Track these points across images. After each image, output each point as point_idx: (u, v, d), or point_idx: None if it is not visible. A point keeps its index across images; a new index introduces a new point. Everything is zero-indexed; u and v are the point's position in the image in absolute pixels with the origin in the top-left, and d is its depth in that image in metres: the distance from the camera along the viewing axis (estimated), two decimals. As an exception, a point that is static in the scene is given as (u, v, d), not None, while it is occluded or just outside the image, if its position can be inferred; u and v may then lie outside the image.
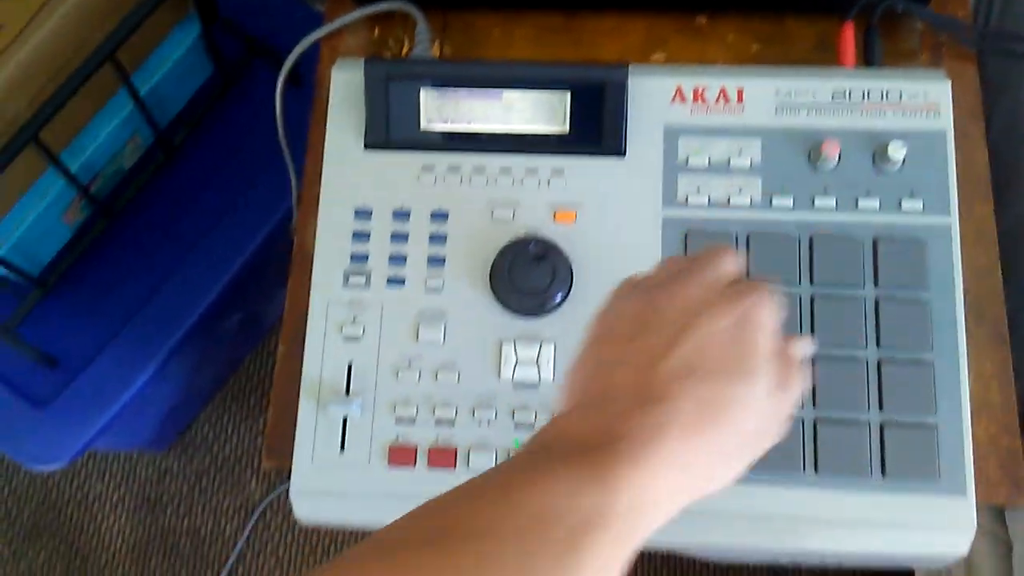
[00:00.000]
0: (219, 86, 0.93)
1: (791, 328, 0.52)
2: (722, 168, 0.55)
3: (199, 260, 0.90)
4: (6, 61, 0.70)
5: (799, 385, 0.40)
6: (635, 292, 0.41)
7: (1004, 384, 0.56)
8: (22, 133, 0.67)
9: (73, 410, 0.86)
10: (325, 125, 0.66)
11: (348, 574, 0.31)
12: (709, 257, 0.41)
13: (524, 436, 0.52)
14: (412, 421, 0.53)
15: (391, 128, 0.57)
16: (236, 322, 1.06)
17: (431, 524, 0.33)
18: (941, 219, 0.53)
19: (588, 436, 0.35)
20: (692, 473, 0.36)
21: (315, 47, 0.69)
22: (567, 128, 0.56)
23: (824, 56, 0.65)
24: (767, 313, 0.39)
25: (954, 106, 0.56)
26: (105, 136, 0.82)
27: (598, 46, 0.67)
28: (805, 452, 0.50)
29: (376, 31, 0.69)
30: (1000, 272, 0.59)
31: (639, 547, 0.34)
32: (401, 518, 0.33)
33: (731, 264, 0.41)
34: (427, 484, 0.51)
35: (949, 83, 0.55)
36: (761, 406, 0.38)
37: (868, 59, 0.60)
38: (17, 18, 0.71)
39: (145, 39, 0.79)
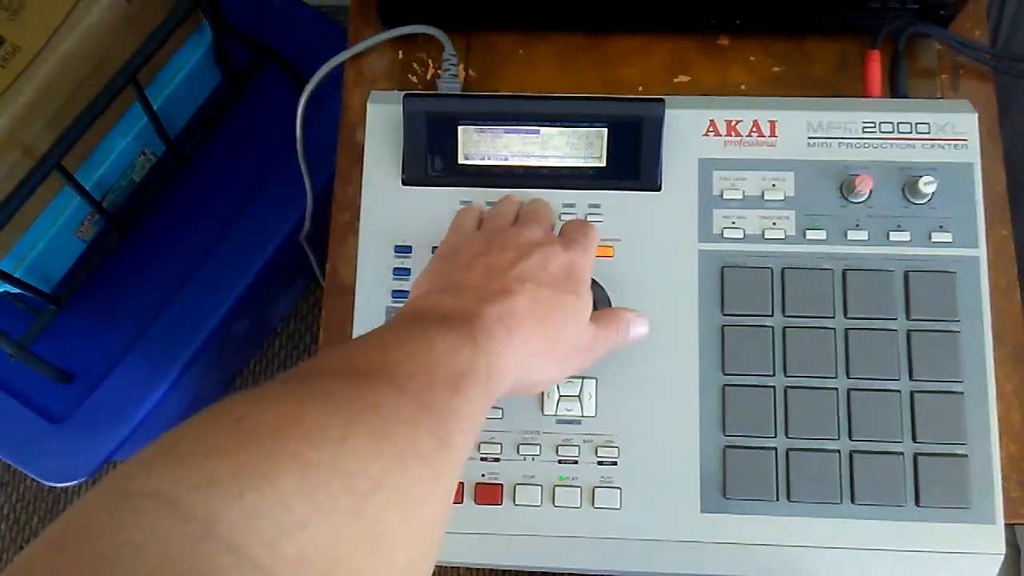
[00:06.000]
0: (227, 94, 0.92)
1: (827, 361, 0.54)
2: (756, 201, 0.56)
3: (211, 270, 0.90)
4: (24, 85, 0.69)
5: (616, 334, 0.50)
6: (477, 231, 0.51)
7: (1025, 405, 0.58)
8: (45, 162, 0.66)
9: (90, 425, 0.87)
10: (353, 149, 0.66)
11: (267, 394, 0.35)
12: (535, 210, 0.53)
13: (568, 471, 0.53)
14: (459, 457, 0.54)
15: (429, 164, 0.57)
16: (245, 328, 1.06)
17: (341, 363, 0.39)
18: (970, 251, 0.55)
19: (449, 312, 0.43)
20: (527, 359, 0.44)
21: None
22: (604, 162, 0.57)
23: (846, 76, 0.66)
24: (592, 248, 0.51)
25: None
26: (118, 151, 0.81)
27: (622, 67, 0.68)
28: (842, 483, 0.52)
29: (400, 53, 0.69)
30: (1019, 293, 0.61)
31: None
32: (310, 360, 0.39)
33: (551, 216, 0.54)
34: (474, 520, 0.52)
35: (976, 115, 0.57)
36: (582, 324, 0.48)
37: (895, 87, 0.61)
38: (33, 41, 0.70)
39: (159, 54, 0.78)
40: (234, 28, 0.89)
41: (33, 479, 1.26)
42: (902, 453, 0.52)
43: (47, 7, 0.71)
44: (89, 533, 0.26)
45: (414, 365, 0.38)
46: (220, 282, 0.90)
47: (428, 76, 0.68)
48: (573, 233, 0.52)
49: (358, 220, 0.60)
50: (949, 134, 0.56)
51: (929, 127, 0.56)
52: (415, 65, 0.69)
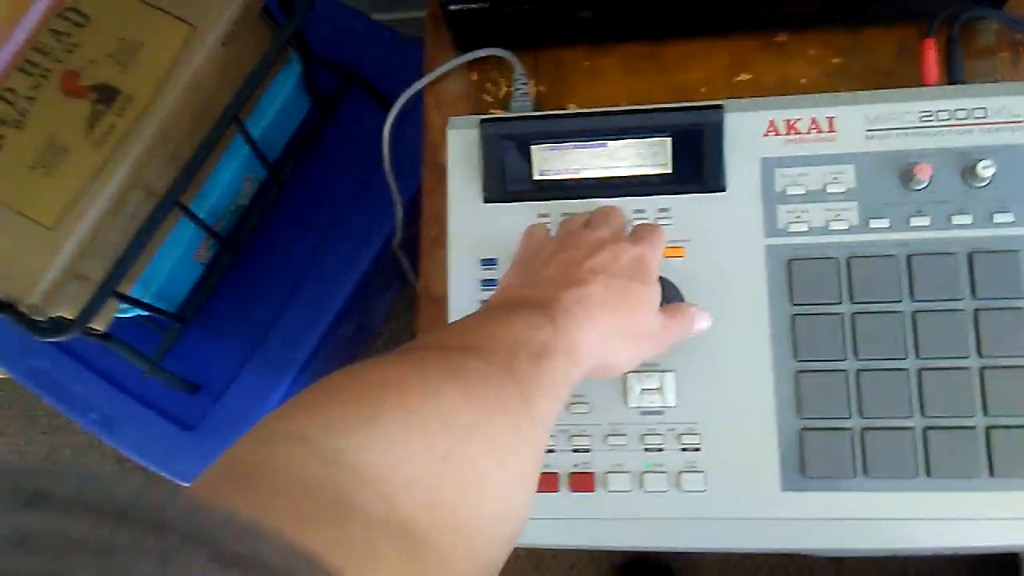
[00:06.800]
0: (317, 117, 0.99)
1: (897, 343, 0.56)
2: (819, 195, 0.59)
3: (317, 281, 0.98)
4: (140, 131, 0.76)
5: (682, 323, 0.55)
6: (550, 237, 0.57)
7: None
8: (166, 200, 0.74)
9: (218, 431, 0.95)
10: (436, 167, 0.72)
11: (374, 361, 0.40)
12: (604, 213, 0.57)
13: (654, 459, 0.58)
14: (552, 451, 0.59)
15: (507, 182, 0.62)
16: (351, 330, 1.13)
17: (432, 342, 0.46)
18: (1032, 230, 0.57)
19: (531, 299, 0.48)
20: (603, 340, 0.48)
21: (410, 72, 0.74)
22: (670, 168, 0.61)
23: (906, 63, 0.68)
24: (659, 243, 0.55)
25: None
26: (226, 181, 0.88)
27: (684, 71, 0.71)
28: (917, 458, 0.55)
29: (474, 75, 0.74)
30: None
31: (575, 383, 0.46)
32: (414, 342, 0.45)
33: (620, 218, 0.58)
34: (570, 507, 0.57)
35: (1033, 96, 0.58)
36: (653, 310, 0.52)
37: (951, 74, 0.62)
38: (144, 90, 0.77)
39: (256, 89, 0.85)
40: (319, 56, 0.96)
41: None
42: (975, 427, 0.55)
43: (154, 57, 0.78)
44: (244, 462, 0.33)
45: (498, 342, 0.44)
46: (325, 291, 0.98)
47: (501, 95, 0.73)
48: (640, 231, 0.57)
49: (445, 234, 0.66)
50: (1006, 116, 0.58)
51: (986, 111, 0.58)
52: (488, 85, 0.74)
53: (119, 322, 0.86)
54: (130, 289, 0.82)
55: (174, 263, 0.87)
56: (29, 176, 0.74)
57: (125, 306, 0.82)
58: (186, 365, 0.96)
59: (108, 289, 0.71)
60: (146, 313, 0.87)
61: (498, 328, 0.45)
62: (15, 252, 0.73)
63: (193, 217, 0.82)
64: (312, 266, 0.98)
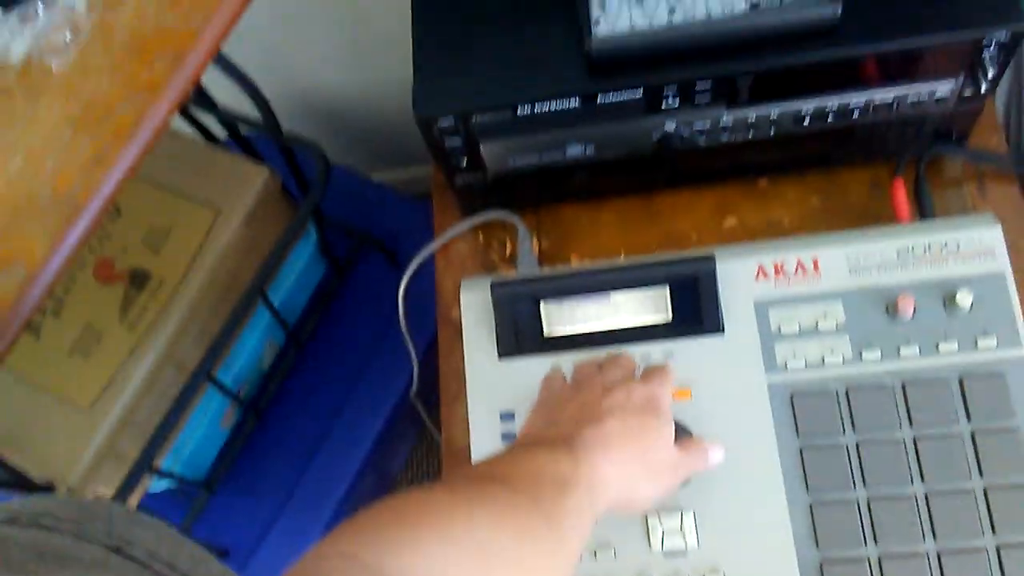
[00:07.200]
0: (333, 279, 1.04)
1: (901, 471, 0.59)
2: (812, 332, 0.63)
3: (338, 438, 1.01)
4: (172, 312, 0.81)
5: (697, 455, 0.58)
6: (566, 383, 0.61)
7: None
8: (198, 375, 0.78)
9: (249, 594, 0.96)
10: (450, 325, 0.76)
11: (409, 491, 0.45)
12: (615, 357, 0.61)
13: (682, 598, 0.59)
14: (582, 597, 0.60)
15: (520, 338, 0.66)
16: (372, 482, 1.15)
17: (461, 474, 0.52)
18: (1015, 352, 0.60)
19: (553, 437, 0.52)
20: (623, 473, 0.52)
21: (421, 228, 0.79)
22: (670, 316, 0.65)
23: (879, 198, 0.73)
24: (668, 380, 0.59)
25: (1005, 230, 0.63)
26: (250, 349, 0.93)
27: (675, 219, 0.76)
28: (934, 582, 0.57)
29: (480, 236, 0.79)
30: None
31: (598, 514, 0.50)
32: (447, 475, 0.51)
33: (630, 361, 0.62)
34: (605, 653, 0.58)
35: (999, 227, 0.63)
36: (668, 444, 0.55)
37: (922, 210, 0.68)
38: (175, 272, 0.83)
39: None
40: (332, 219, 1.02)
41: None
42: (985, 548, 0.57)
43: (182, 241, 0.84)
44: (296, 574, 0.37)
45: (523, 472, 0.48)
46: (348, 446, 1.01)
47: (507, 253, 0.78)
48: (650, 371, 0.61)
49: (464, 388, 0.70)
50: (978, 247, 0.62)
51: (958, 244, 0.63)
52: (495, 244, 0.79)
53: (147, 495, 0.88)
54: (161, 462, 0.85)
55: (202, 432, 0.90)
56: (67, 360, 0.79)
57: (156, 479, 0.85)
58: (213, 531, 0.97)
59: (144, 466, 0.74)
60: (175, 485, 0.90)
61: (523, 462, 0.49)
62: (54, 436, 0.76)
63: (221, 387, 0.86)
64: (333, 422, 1.01)
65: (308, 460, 1.00)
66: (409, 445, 1.32)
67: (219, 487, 0.98)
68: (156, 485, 0.89)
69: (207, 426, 0.90)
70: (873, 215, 0.72)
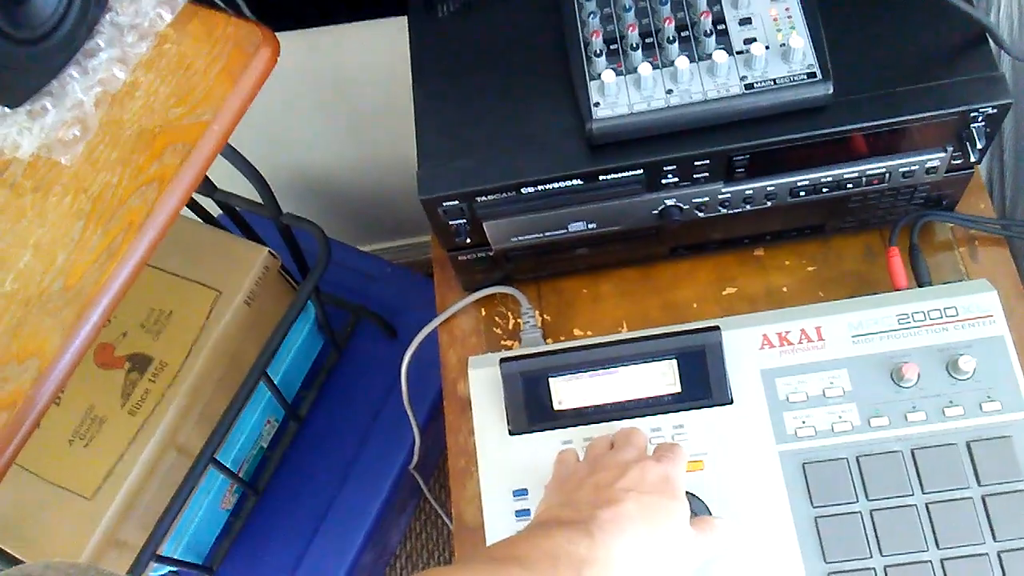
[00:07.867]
0: (331, 352, 1.04)
1: (916, 536, 0.59)
2: (819, 400, 0.64)
3: (338, 515, 1.00)
4: (173, 395, 0.81)
5: (713, 537, 0.57)
6: (580, 461, 0.61)
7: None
8: (201, 459, 0.77)
9: None
10: (457, 401, 0.76)
11: (432, 571, 0.46)
12: (627, 435, 0.61)
13: (705, 675, 0.59)
14: None
15: (529, 414, 0.67)
16: (372, 558, 1.14)
17: (480, 555, 0.52)
18: (1019, 415, 0.61)
19: (568, 518, 0.52)
20: (638, 556, 0.51)
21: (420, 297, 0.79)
22: (679, 388, 0.66)
23: (873, 263, 0.74)
24: (681, 459, 0.59)
25: (998, 291, 0.65)
26: (250, 428, 0.92)
27: (676, 289, 0.77)
28: (954, 649, 0.57)
29: (482, 311, 0.80)
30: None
31: None
32: (465, 557, 0.52)
33: (643, 439, 0.61)
34: None
35: (995, 292, 0.64)
36: (684, 524, 0.55)
37: (918, 276, 0.69)
38: (176, 356, 0.83)
39: (276, 338, 0.90)
40: (328, 294, 1.02)
41: None
42: (1004, 612, 0.57)
43: (183, 323, 0.84)
44: None
45: (540, 553, 0.48)
46: (348, 524, 0.99)
47: (510, 326, 0.79)
48: (662, 450, 0.60)
49: (473, 465, 0.69)
50: (976, 312, 0.64)
51: (956, 310, 0.64)
52: (497, 319, 0.80)
53: (150, 579, 0.87)
54: (163, 548, 0.84)
55: (203, 515, 0.89)
56: (68, 449, 0.78)
57: (157, 566, 0.84)
58: (215, 615, 0.96)
59: (149, 555, 0.73)
60: (176, 569, 0.89)
61: (540, 543, 0.50)
62: (56, 526, 0.75)
63: (223, 468, 0.85)
64: (333, 498, 1.00)
65: (309, 538, 0.99)
66: (408, 518, 1.30)
67: (220, 569, 0.96)
68: (157, 570, 0.88)
69: (207, 508, 0.89)
70: (869, 281, 0.74)
